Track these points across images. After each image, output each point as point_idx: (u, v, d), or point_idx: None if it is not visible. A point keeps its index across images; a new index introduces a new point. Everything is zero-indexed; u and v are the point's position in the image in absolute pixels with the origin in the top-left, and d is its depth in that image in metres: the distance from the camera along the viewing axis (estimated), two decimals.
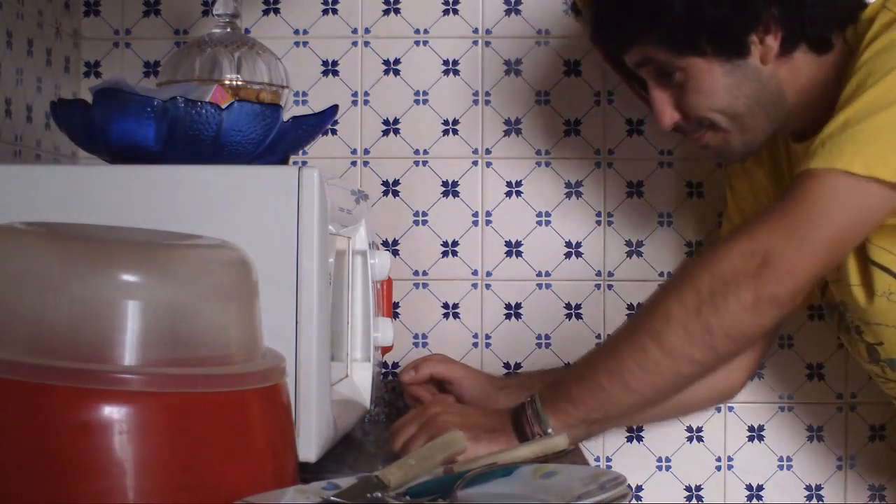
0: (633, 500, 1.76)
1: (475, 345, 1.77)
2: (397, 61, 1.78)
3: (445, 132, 1.78)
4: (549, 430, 1.27)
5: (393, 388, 1.74)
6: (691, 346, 1.24)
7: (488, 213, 1.78)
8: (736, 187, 1.64)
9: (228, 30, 1.49)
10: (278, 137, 1.25)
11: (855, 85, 1.28)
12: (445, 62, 1.78)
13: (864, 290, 1.38)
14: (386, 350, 1.63)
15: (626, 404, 1.27)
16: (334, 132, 1.78)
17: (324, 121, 1.30)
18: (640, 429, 1.79)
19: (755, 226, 1.26)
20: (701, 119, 1.39)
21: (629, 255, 1.78)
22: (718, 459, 1.79)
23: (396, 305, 1.77)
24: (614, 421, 1.30)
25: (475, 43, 1.78)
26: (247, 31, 1.76)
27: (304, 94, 1.77)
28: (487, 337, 1.77)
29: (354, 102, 1.78)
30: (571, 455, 1.24)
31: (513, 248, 1.78)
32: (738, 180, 1.63)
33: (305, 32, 1.78)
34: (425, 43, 1.78)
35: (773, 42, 1.35)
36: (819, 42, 1.36)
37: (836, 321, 1.49)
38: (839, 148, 1.23)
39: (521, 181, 1.78)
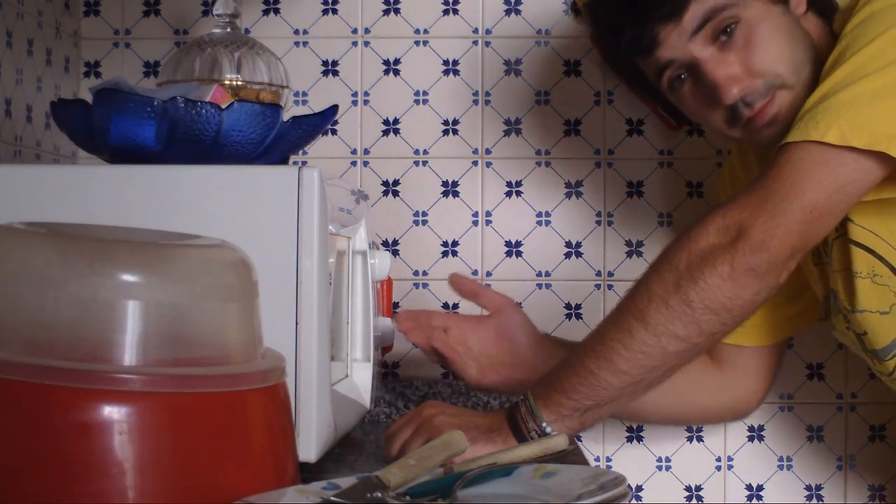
0: (633, 500, 1.76)
1: None
2: (397, 61, 1.78)
3: (445, 132, 1.78)
4: (544, 425, 1.27)
5: (393, 388, 1.74)
6: (674, 321, 1.24)
7: (488, 213, 1.78)
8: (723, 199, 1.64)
9: (228, 30, 1.49)
10: (278, 137, 1.25)
11: (834, 58, 1.28)
12: (445, 62, 1.78)
13: (846, 275, 1.38)
14: (386, 350, 1.63)
15: (616, 387, 1.27)
16: (334, 132, 1.78)
17: (324, 121, 1.30)
18: (640, 428, 1.79)
19: (730, 202, 1.26)
20: (772, 77, 1.33)
21: (629, 255, 1.78)
22: (718, 459, 1.79)
23: (396, 305, 1.77)
24: (608, 406, 1.29)
25: (475, 43, 1.78)
26: (247, 31, 1.76)
27: (304, 94, 1.78)
28: None
29: (354, 102, 1.78)
30: (571, 455, 1.24)
31: (513, 248, 1.78)
32: (727, 192, 1.63)
33: (305, 32, 1.78)
34: (425, 43, 1.78)
35: None
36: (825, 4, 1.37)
37: (826, 315, 1.49)
38: (815, 120, 1.23)
39: (521, 181, 1.78)
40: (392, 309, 1.73)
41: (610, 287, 1.77)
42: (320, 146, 1.76)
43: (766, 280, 1.24)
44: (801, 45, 1.34)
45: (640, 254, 1.78)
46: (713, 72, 1.33)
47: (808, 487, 1.78)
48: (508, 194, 1.78)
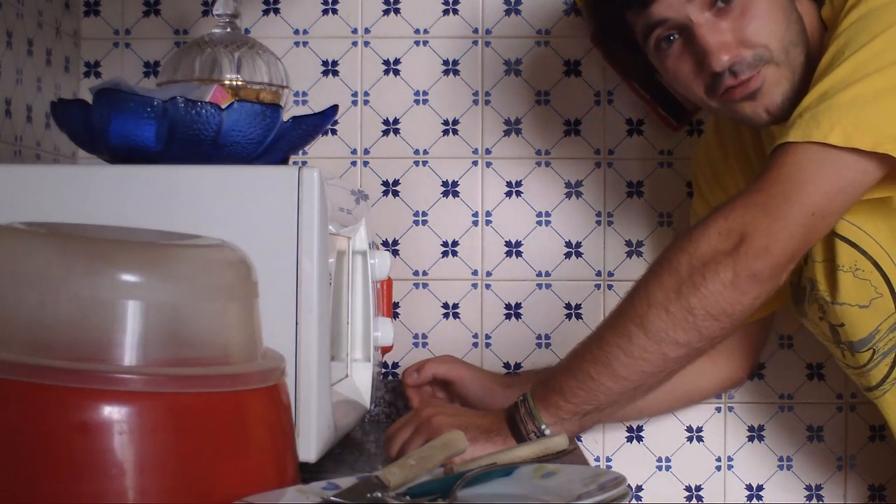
0: (633, 500, 1.76)
1: (475, 345, 1.77)
2: (397, 61, 1.78)
3: (445, 132, 1.78)
4: (543, 426, 1.27)
5: (393, 389, 1.74)
6: (674, 328, 1.23)
7: (488, 213, 1.78)
8: (703, 188, 1.63)
9: (228, 30, 1.49)
10: (278, 137, 1.25)
11: (832, 55, 1.26)
12: (445, 62, 1.78)
13: (828, 266, 1.37)
14: (386, 350, 1.63)
15: (615, 392, 1.26)
16: (334, 132, 1.78)
17: (324, 121, 1.30)
18: (640, 428, 1.79)
19: (731, 205, 1.25)
20: (761, 50, 1.30)
21: (629, 255, 1.78)
22: (718, 459, 1.79)
23: (396, 305, 1.77)
24: (608, 410, 1.29)
25: (475, 43, 1.78)
26: (247, 31, 1.76)
27: (304, 94, 1.77)
28: (487, 337, 1.77)
29: (354, 102, 1.78)
30: (571, 455, 1.24)
31: (513, 248, 1.78)
32: (703, 171, 1.62)
33: (305, 32, 1.78)
34: (425, 43, 1.78)
35: None
36: None
37: (801, 303, 1.48)
38: (816, 120, 1.22)
39: (521, 181, 1.78)
40: (392, 309, 1.73)
41: (610, 287, 1.77)
42: (320, 146, 1.76)
43: (767, 285, 1.23)
44: (794, 26, 1.32)
45: (640, 254, 1.78)
46: (705, 37, 1.30)
47: (808, 487, 1.78)
48: (508, 194, 1.78)
